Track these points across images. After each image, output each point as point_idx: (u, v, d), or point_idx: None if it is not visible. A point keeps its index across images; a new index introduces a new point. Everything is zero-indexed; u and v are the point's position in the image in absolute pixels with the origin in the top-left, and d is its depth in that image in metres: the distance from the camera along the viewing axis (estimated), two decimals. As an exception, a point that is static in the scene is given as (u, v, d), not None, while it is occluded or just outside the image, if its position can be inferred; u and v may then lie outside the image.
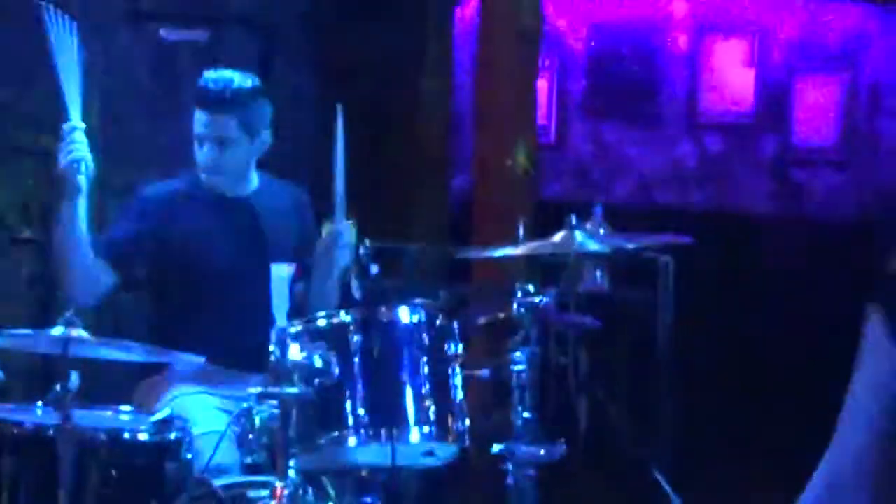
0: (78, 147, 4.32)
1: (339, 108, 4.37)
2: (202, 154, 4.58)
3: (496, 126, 6.90)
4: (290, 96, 4.66)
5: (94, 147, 4.35)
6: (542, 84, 8.02)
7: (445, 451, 4.10)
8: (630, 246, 4.81)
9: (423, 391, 4.02)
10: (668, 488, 5.10)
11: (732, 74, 9.80)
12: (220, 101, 4.52)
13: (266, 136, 4.63)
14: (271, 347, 3.87)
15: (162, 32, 6.72)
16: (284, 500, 3.71)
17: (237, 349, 4.42)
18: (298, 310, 4.29)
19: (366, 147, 6.41)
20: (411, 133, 7.61)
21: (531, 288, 4.37)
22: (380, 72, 7.43)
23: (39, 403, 4.08)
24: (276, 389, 3.79)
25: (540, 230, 4.72)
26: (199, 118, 4.56)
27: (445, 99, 7.82)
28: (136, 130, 6.63)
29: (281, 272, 4.15)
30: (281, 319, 3.93)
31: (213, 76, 4.57)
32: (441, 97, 7.78)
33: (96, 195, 4.46)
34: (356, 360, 3.93)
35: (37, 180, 6.37)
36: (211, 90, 4.54)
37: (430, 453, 4.07)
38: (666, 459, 5.42)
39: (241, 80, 4.58)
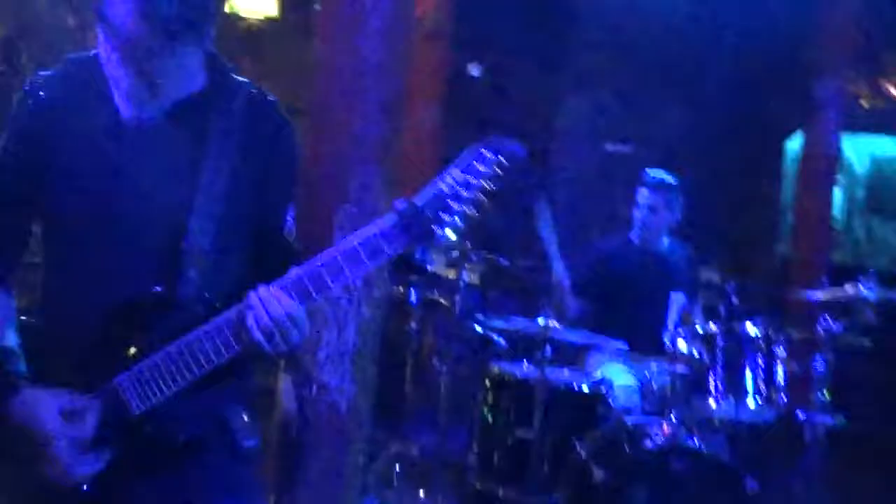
0: None
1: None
2: (639, 217, 7.22)
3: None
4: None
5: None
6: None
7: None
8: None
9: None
10: None
11: None
12: (657, 186, 7.13)
13: (678, 214, 7.20)
14: (665, 340, 6.39)
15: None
16: (668, 435, 6.02)
17: (644, 342, 6.93)
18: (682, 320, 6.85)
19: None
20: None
21: None
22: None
23: (524, 362, 6.68)
24: (669, 368, 6.25)
25: None
26: (642, 193, 7.18)
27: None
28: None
29: (676, 299, 6.72)
30: (671, 327, 6.48)
31: (653, 174, 7.19)
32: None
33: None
34: (718, 352, 6.29)
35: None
36: (653, 177, 7.18)
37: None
38: None
39: (670, 178, 7.14)
